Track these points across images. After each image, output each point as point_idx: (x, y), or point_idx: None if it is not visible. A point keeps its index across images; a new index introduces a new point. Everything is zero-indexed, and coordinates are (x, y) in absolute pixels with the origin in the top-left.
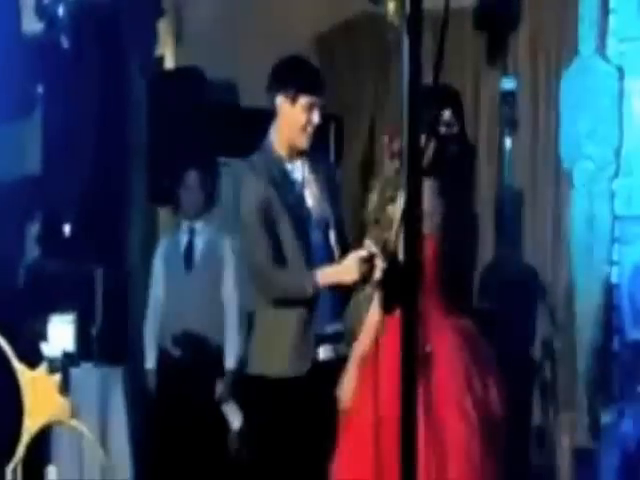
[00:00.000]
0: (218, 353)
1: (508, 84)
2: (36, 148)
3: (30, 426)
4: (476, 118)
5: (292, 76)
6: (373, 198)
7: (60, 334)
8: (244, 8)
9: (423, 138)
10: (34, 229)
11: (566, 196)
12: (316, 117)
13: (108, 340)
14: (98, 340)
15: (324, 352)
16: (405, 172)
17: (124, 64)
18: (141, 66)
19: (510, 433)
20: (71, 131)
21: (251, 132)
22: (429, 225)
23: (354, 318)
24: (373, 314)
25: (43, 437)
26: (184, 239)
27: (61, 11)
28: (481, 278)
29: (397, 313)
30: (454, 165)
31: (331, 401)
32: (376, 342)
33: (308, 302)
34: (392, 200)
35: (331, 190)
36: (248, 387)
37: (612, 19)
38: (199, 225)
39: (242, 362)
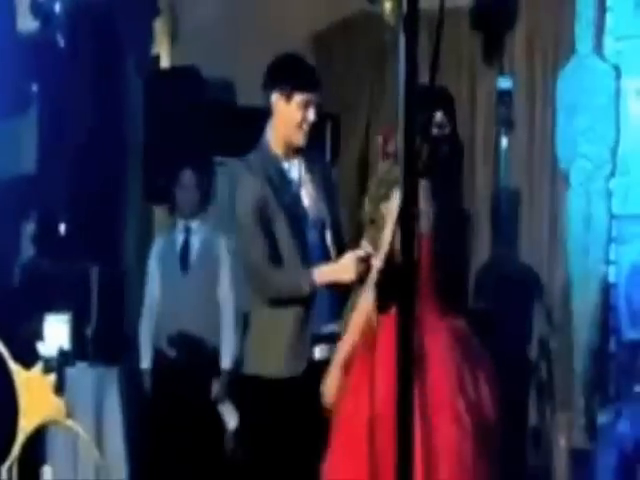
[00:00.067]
0: (214, 353)
1: (504, 83)
2: (31, 147)
3: (25, 426)
4: (472, 117)
5: (287, 74)
6: (368, 199)
7: (55, 334)
8: (240, 7)
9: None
10: (29, 228)
11: (563, 195)
12: (311, 115)
13: (103, 340)
14: (93, 340)
15: (320, 352)
16: (401, 172)
17: (120, 63)
18: (137, 65)
19: (506, 434)
20: (66, 130)
21: (247, 131)
22: (422, 225)
23: None
24: (359, 313)
25: (38, 437)
26: (180, 238)
27: (56, 9)
28: (477, 277)
29: (392, 312)
30: (446, 166)
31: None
32: (372, 342)
33: (304, 301)
34: (386, 198)
35: (327, 189)
36: (244, 387)
37: (609, 18)
38: (195, 224)
39: (238, 362)
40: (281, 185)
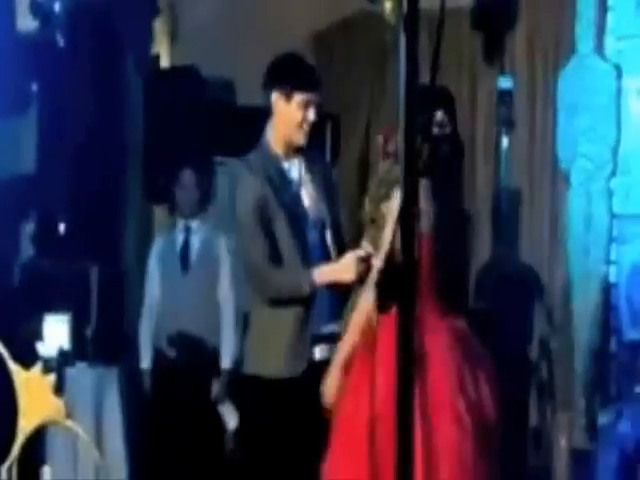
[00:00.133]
0: (214, 353)
1: (505, 83)
2: (31, 147)
3: (25, 426)
4: (473, 117)
5: (287, 73)
6: (368, 199)
7: (55, 334)
8: (240, 6)
9: (418, 139)
10: (29, 228)
11: (563, 195)
12: (312, 114)
13: (103, 340)
14: (93, 340)
15: (320, 352)
16: (402, 171)
17: (119, 62)
18: (136, 64)
19: (506, 434)
20: (66, 129)
21: (247, 131)
22: (422, 225)
23: None
24: (359, 313)
25: (38, 437)
26: (180, 238)
27: (56, 9)
28: (478, 277)
29: (393, 312)
30: (446, 165)
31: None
32: (372, 342)
33: (304, 301)
34: (386, 198)
35: (328, 189)
36: (244, 387)
37: (610, 17)
38: (195, 224)
39: (238, 362)
40: (281, 185)
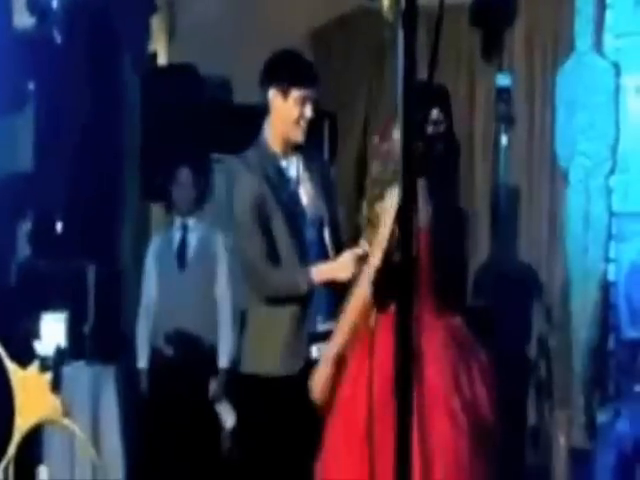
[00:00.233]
0: (211, 352)
1: (504, 80)
2: (28, 145)
3: (21, 425)
4: (471, 115)
5: (284, 70)
6: (366, 201)
7: (52, 332)
8: (238, 4)
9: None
10: (26, 227)
11: (562, 193)
12: (309, 110)
13: (100, 338)
14: (90, 338)
15: (317, 351)
16: (401, 168)
17: (117, 60)
18: (134, 62)
19: (505, 432)
20: (63, 128)
21: (245, 129)
22: (419, 223)
23: None
24: (356, 299)
25: (35, 436)
26: (177, 236)
27: (53, 6)
28: (476, 276)
29: (390, 311)
30: (442, 164)
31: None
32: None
33: (302, 300)
34: (380, 198)
35: (326, 188)
36: (241, 386)
37: (608, 15)
38: (192, 222)
39: (235, 361)
40: (279, 183)
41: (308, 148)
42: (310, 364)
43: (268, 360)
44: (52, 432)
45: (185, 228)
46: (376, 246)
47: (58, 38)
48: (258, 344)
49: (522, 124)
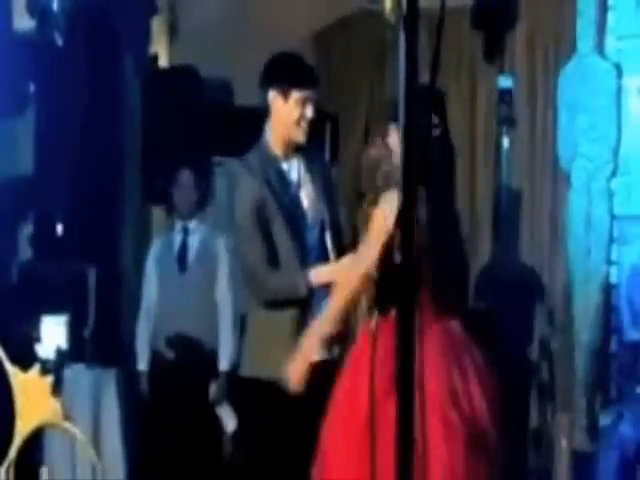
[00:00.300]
0: (212, 355)
1: (505, 82)
2: (28, 148)
3: (22, 428)
4: (473, 117)
5: (284, 71)
6: (364, 203)
7: (53, 335)
8: (239, 6)
9: None
10: (27, 230)
11: (564, 195)
12: (309, 111)
13: (101, 341)
14: (91, 341)
15: (317, 354)
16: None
17: (117, 62)
18: (135, 64)
19: (506, 435)
20: (64, 130)
21: (245, 131)
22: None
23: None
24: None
25: (36, 439)
26: (178, 239)
27: (54, 8)
28: (478, 278)
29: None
30: (438, 169)
31: (325, 403)
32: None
33: (302, 303)
34: (374, 204)
35: (327, 190)
36: (241, 389)
37: (610, 16)
38: (193, 225)
39: (236, 364)
40: (280, 186)
41: (309, 150)
42: (310, 367)
43: (268, 363)
44: (53, 435)
45: (186, 231)
46: (364, 253)
47: (59, 40)
48: (258, 347)
49: (524, 126)
